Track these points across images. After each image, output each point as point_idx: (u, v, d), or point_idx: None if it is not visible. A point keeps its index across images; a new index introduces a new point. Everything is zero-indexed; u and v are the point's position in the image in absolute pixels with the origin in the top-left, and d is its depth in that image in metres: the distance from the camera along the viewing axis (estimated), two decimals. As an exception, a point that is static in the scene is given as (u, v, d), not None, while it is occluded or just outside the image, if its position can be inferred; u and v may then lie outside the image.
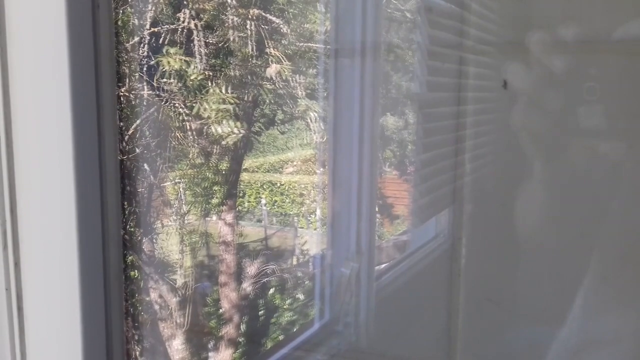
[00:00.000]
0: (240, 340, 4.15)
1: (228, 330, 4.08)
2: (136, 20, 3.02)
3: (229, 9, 3.26)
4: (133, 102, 2.97)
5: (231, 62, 3.26)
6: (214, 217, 4.04)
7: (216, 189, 3.85)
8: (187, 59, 3.05)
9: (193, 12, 3.12)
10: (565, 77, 1.20)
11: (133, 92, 2.95)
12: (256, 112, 3.92)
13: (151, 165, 3.33)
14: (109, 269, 0.74)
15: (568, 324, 1.03)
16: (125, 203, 2.17)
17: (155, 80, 3.03)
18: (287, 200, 5.11)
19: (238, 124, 3.21)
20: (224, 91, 3.13)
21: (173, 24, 3.13)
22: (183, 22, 3.12)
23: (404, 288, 1.84)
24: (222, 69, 3.23)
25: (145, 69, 3.03)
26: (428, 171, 1.78)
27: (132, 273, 2.78)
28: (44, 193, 0.71)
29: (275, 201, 5.18)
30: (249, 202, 5.17)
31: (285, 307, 4.50)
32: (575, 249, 1.28)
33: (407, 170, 4.41)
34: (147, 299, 3.60)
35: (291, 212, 5.13)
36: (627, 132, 1.25)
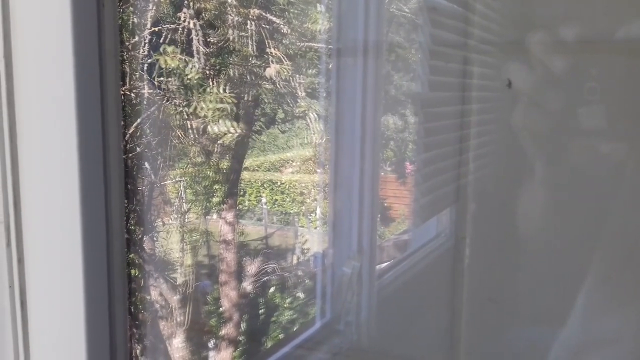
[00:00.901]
0: (240, 339, 4.16)
1: (228, 328, 4.09)
2: (137, 19, 3.03)
3: (229, 8, 3.26)
4: (134, 101, 2.97)
5: (231, 61, 3.27)
6: (215, 216, 4.04)
7: (217, 187, 3.85)
8: (184, 57, 3.05)
9: (193, 12, 3.13)
10: (567, 77, 1.20)
11: (134, 90, 2.95)
12: (257, 111, 3.92)
13: (152, 164, 3.34)
14: (112, 266, 0.74)
15: (570, 324, 1.03)
16: (127, 201, 2.17)
17: (154, 79, 3.03)
18: (288, 199, 5.12)
19: (235, 123, 3.21)
20: (221, 90, 3.13)
21: (174, 23, 3.13)
22: (184, 21, 3.12)
23: (405, 287, 1.84)
24: (222, 68, 3.24)
25: (146, 67, 3.04)
26: (429, 170, 1.78)
27: (132, 271, 2.78)
28: (47, 189, 0.71)
29: (276, 200, 5.18)
30: (249, 200, 5.18)
31: (285, 306, 4.51)
32: (577, 249, 1.28)
33: (408, 170, 4.41)
34: (148, 297, 3.61)
35: (292, 211, 5.13)
36: (628, 132, 1.25)
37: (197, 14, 3.14)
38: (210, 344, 4.17)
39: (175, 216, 3.83)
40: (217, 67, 3.21)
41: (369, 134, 1.57)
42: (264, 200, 5.17)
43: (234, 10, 3.25)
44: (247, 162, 4.50)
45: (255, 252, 4.64)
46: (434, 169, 1.79)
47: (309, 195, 4.87)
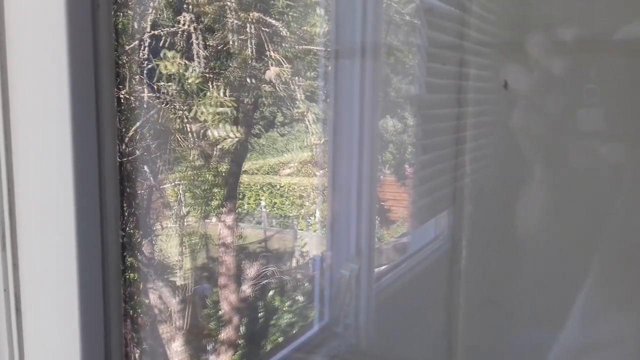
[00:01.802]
0: (239, 342, 4.15)
1: (227, 332, 4.08)
2: (136, 23, 3.03)
3: (229, 12, 3.26)
4: (133, 105, 2.97)
5: (231, 64, 3.27)
6: (214, 219, 4.04)
7: (216, 191, 3.85)
8: (184, 62, 3.06)
9: (193, 16, 3.13)
10: (566, 79, 1.20)
11: (133, 94, 2.95)
12: (256, 114, 3.92)
13: (151, 168, 3.34)
14: (107, 271, 0.74)
15: (569, 326, 1.02)
16: (125, 205, 2.17)
17: (154, 83, 3.03)
18: (287, 203, 5.12)
19: (234, 128, 3.21)
20: (221, 94, 3.13)
21: (173, 26, 3.13)
22: (183, 24, 3.12)
23: (403, 290, 1.84)
24: (222, 71, 3.24)
25: (145, 71, 3.04)
26: (427, 173, 1.78)
27: (131, 275, 2.78)
28: (42, 194, 0.71)
29: (275, 203, 5.18)
30: (248, 204, 5.17)
31: (284, 309, 4.50)
32: (576, 251, 1.27)
33: (406, 173, 4.41)
34: (147, 301, 3.60)
35: (291, 214, 5.13)
36: (628, 134, 1.25)
37: (197, 18, 3.15)
38: (210, 348, 4.17)
39: (175, 219, 3.83)
40: (217, 71, 3.22)
41: (367, 135, 1.57)
42: (263, 203, 5.16)
43: (234, 14, 3.26)
44: (247, 166, 4.50)
45: (255, 256, 4.64)
46: (432, 171, 1.79)
47: (308, 199, 4.86)
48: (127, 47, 2.86)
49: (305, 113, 3.47)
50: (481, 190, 1.67)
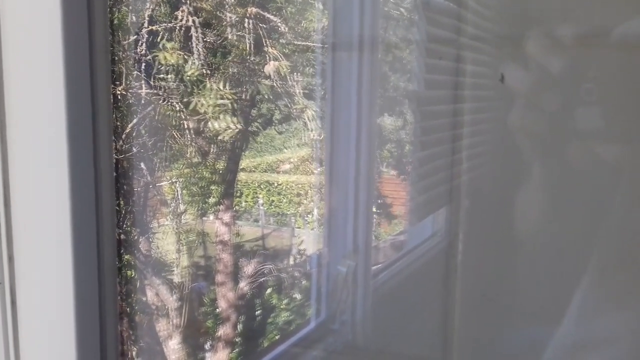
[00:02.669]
0: (237, 340, 4.15)
1: (225, 329, 4.08)
2: (134, 18, 3.02)
3: (227, 7, 3.26)
4: (130, 101, 2.96)
5: (228, 59, 3.26)
6: (211, 217, 4.04)
7: (213, 188, 3.84)
8: (184, 53, 3.05)
9: (191, 9, 3.12)
10: (564, 76, 1.20)
11: (130, 90, 2.95)
12: (253, 111, 3.92)
13: (148, 165, 3.33)
14: (103, 265, 0.74)
15: (566, 323, 1.02)
16: (122, 202, 2.17)
17: (152, 78, 3.02)
18: (285, 200, 5.11)
19: (235, 119, 3.21)
20: (221, 87, 3.13)
21: (171, 22, 3.12)
22: (181, 20, 3.12)
23: (400, 286, 1.84)
24: (220, 66, 3.23)
25: (142, 67, 3.03)
26: (425, 169, 1.78)
27: (128, 272, 2.77)
28: (37, 187, 0.71)
29: (273, 201, 5.18)
30: (246, 201, 5.17)
31: (282, 306, 4.50)
32: (573, 248, 1.27)
33: (405, 169, 4.41)
34: (144, 298, 3.60)
35: (288, 212, 5.12)
36: (626, 133, 1.24)
37: (195, 12, 3.14)
38: (207, 345, 4.16)
39: (172, 217, 3.82)
40: (216, 65, 3.21)
41: (364, 131, 1.57)
42: (260, 201, 5.16)
43: (232, 8, 3.25)
44: (244, 163, 4.50)
45: (252, 253, 4.63)
46: (430, 167, 1.79)
47: (305, 197, 4.86)
48: (124, 42, 2.86)
49: (303, 110, 3.47)
50: (478, 188, 1.67)
